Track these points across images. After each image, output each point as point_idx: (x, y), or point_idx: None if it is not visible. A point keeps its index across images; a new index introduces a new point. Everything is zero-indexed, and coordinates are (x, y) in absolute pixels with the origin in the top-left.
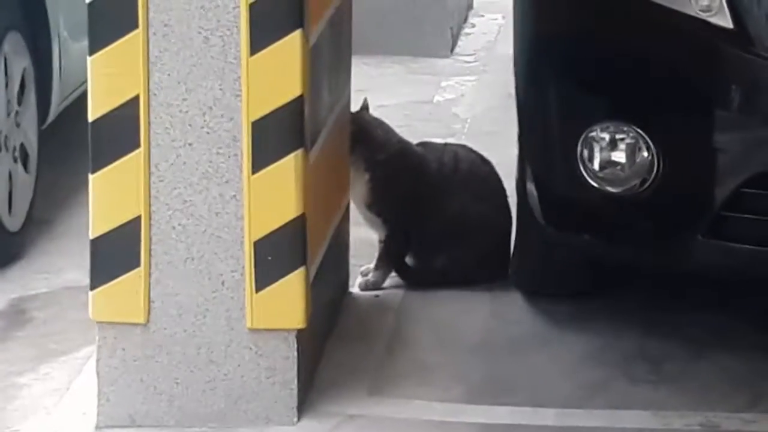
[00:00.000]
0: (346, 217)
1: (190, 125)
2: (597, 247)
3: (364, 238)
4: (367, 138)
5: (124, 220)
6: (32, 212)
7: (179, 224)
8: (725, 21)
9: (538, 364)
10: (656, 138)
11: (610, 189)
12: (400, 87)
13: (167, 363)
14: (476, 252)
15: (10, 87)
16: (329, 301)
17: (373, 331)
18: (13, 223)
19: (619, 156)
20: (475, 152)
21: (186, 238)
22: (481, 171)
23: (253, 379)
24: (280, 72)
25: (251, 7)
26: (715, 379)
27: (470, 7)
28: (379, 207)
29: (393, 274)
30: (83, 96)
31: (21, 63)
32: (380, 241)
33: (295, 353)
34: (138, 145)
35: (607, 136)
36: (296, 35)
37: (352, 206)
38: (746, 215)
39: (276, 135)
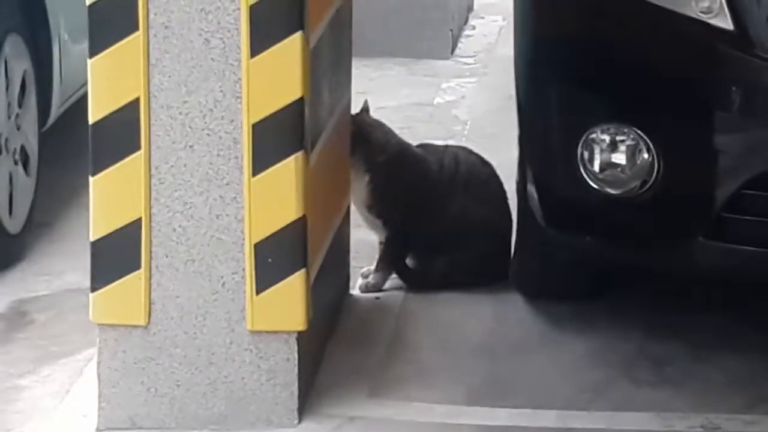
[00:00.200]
0: (346, 219)
1: (190, 127)
2: (598, 249)
3: (365, 240)
4: (366, 140)
5: (125, 223)
6: (33, 214)
7: (180, 226)
8: (725, 22)
9: (539, 366)
10: (657, 140)
11: (610, 191)
12: (400, 89)
13: (168, 365)
14: (477, 254)
15: (10, 89)
16: (330, 303)
17: (373, 333)
18: (14, 226)
19: (620, 158)
20: (475, 154)
21: (186, 240)
22: (482, 173)
23: (253, 381)
24: (280, 74)
25: (252, 9)
26: (717, 381)
27: (470, 8)
28: (378, 209)
29: (394, 276)
30: (84, 98)
31: (21, 65)
32: (380, 243)
33: (296, 355)
34: (138, 148)
35: (607, 138)
36: (297, 37)
37: (353, 208)
38: (747, 217)
39: (276, 137)
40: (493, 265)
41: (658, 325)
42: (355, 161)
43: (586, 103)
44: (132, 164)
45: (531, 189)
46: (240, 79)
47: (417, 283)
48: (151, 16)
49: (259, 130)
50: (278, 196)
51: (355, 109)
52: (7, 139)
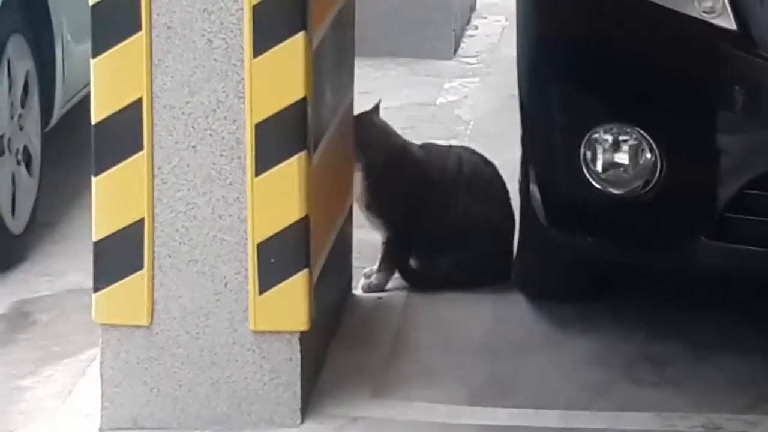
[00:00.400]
0: (349, 219)
1: (193, 128)
2: (600, 249)
3: (367, 240)
4: (365, 139)
5: (127, 223)
6: (35, 215)
7: (182, 226)
8: (728, 22)
9: (541, 366)
10: (659, 139)
11: (613, 190)
12: (402, 89)
13: (170, 365)
14: (480, 254)
15: (13, 90)
16: (332, 303)
17: (376, 333)
18: (17, 226)
19: (622, 157)
20: (478, 154)
21: (189, 240)
22: (485, 173)
23: (256, 381)
24: (283, 74)
25: (254, 9)
26: (718, 381)
27: (473, 8)
28: (377, 208)
29: (396, 276)
30: (86, 98)
31: (24, 66)
32: (382, 243)
33: (299, 355)
34: (141, 148)
35: (610, 138)
36: (299, 37)
37: (355, 208)
38: (749, 217)
39: (279, 137)
40: (495, 265)
41: (659, 326)
42: (355, 160)
43: (588, 102)
44: (135, 164)
45: (533, 189)
46: (243, 79)
47: (420, 283)
48: (154, 16)
49: (261, 130)
50: (281, 196)
51: (364, 109)
52: (9, 140)
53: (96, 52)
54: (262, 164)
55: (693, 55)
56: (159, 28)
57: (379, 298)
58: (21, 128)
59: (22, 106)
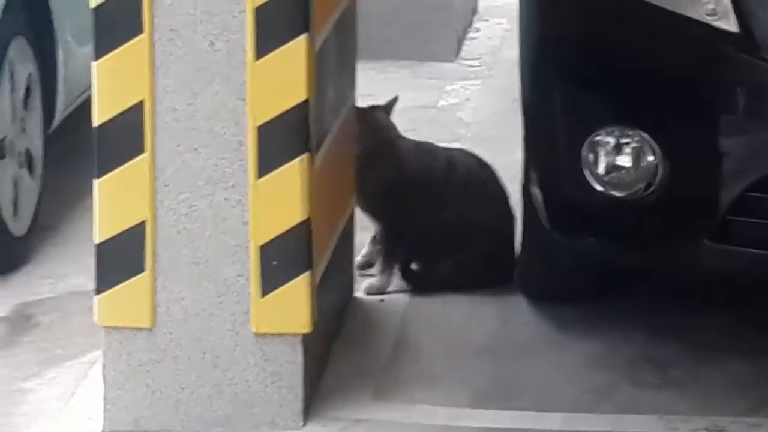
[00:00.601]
0: (351, 221)
1: (195, 130)
2: (602, 252)
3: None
4: (359, 131)
5: (130, 225)
6: (37, 217)
7: (184, 229)
8: (730, 25)
9: (544, 369)
10: (661, 142)
11: (615, 193)
12: (405, 91)
13: (173, 367)
14: (479, 255)
15: (15, 92)
16: (335, 306)
17: (378, 335)
18: (19, 228)
19: (625, 160)
20: (474, 155)
21: (191, 242)
22: (480, 174)
23: (258, 383)
24: (285, 76)
25: (257, 11)
26: (721, 383)
27: (475, 11)
28: (360, 200)
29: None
30: (88, 101)
31: (26, 68)
32: (379, 242)
33: (301, 358)
34: (143, 150)
35: (612, 140)
36: (302, 40)
37: (357, 210)
38: (752, 219)
39: (281, 139)
40: (496, 266)
41: (661, 328)
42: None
43: (590, 105)
44: (137, 167)
45: (536, 191)
46: (245, 81)
47: (421, 285)
48: (156, 18)
49: (264, 132)
50: (283, 198)
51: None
52: (12, 142)
53: (98, 54)
54: (265, 166)
55: (695, 58)
56: (161, 30)
57: (382, 300)
58: (23, 131)
59: (24, 109)
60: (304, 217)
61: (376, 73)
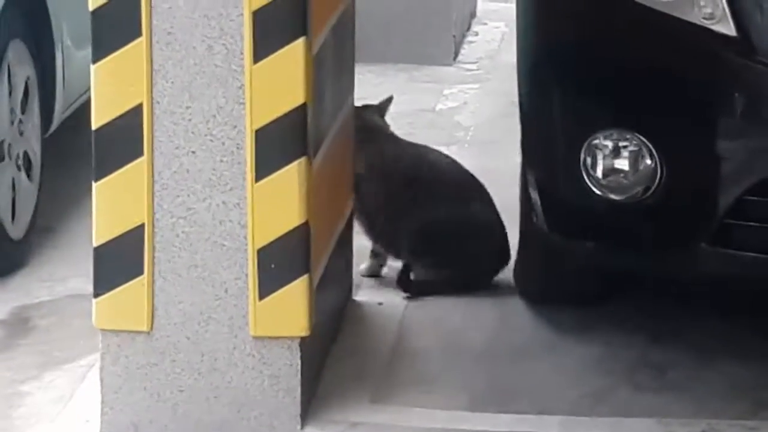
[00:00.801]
0: (349, 224)
1: (193, 133)
2: (601, 255)
3: (367, 246)
4: None
5: (128, 228)
6: (35, 220)
7: (183, 232)
8: (728, 29)
9: (542, 372)
10: (659, 145)
11: (613, 196)
12: (402, 95)
13: (171, 371)
14: (466, 257)
15: (13, 95)
16: (333, 309)
17: (376, 338)
18: (17, 231)
19: (623, 164)
20: (449, 158)
21: (189, 245)
22: (455, 177)
23: (256, 386)
24: (283, 80)
25: (255, 14)
26: (719, 387)
27: (473, 15)
28: None
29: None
30: (87, 104)
31: (24, 71)
32: None
33: (299, 361)
34: (141, 153)
35: (610, 144)
36: (299, 43)
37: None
38: (749, 223)
39: (279, 143)
40: (486, 264)
41: (659, 331)
42: None
43: (588, 108)
44: (135, 170)
45: (534, 195)
46: (243, 84)
47: (419, 293)
48: (154, 21)
49: (262, 135)
50: (281, 201)
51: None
52: (10, 145)
53: (96, 57)
54: (263, 170)
55: (693, 61)
56: (159, 33)
57: (380, 303)
58: (21, 134)
59: (23, 112)
60: (302, 221)
61: (374, 77)
